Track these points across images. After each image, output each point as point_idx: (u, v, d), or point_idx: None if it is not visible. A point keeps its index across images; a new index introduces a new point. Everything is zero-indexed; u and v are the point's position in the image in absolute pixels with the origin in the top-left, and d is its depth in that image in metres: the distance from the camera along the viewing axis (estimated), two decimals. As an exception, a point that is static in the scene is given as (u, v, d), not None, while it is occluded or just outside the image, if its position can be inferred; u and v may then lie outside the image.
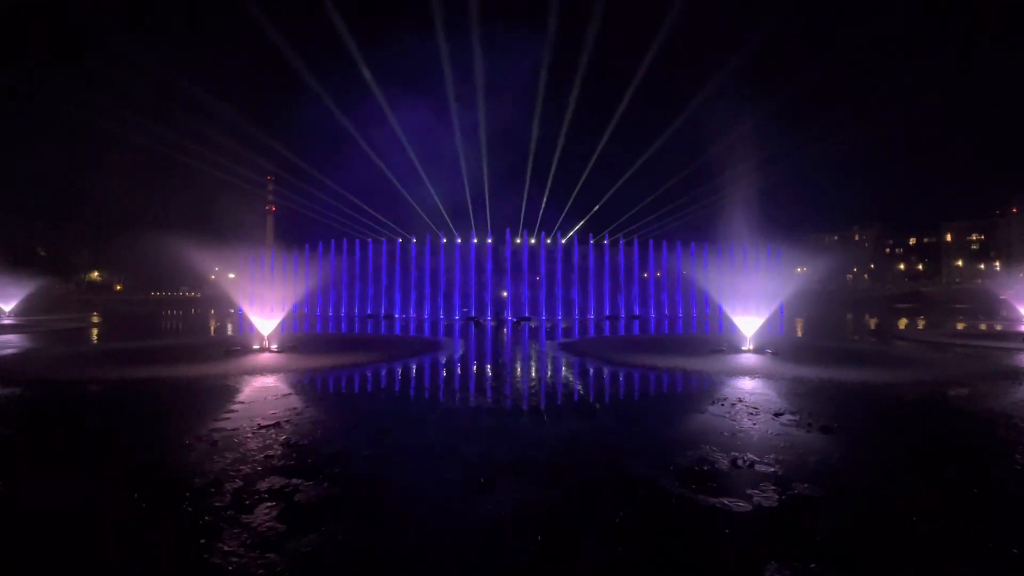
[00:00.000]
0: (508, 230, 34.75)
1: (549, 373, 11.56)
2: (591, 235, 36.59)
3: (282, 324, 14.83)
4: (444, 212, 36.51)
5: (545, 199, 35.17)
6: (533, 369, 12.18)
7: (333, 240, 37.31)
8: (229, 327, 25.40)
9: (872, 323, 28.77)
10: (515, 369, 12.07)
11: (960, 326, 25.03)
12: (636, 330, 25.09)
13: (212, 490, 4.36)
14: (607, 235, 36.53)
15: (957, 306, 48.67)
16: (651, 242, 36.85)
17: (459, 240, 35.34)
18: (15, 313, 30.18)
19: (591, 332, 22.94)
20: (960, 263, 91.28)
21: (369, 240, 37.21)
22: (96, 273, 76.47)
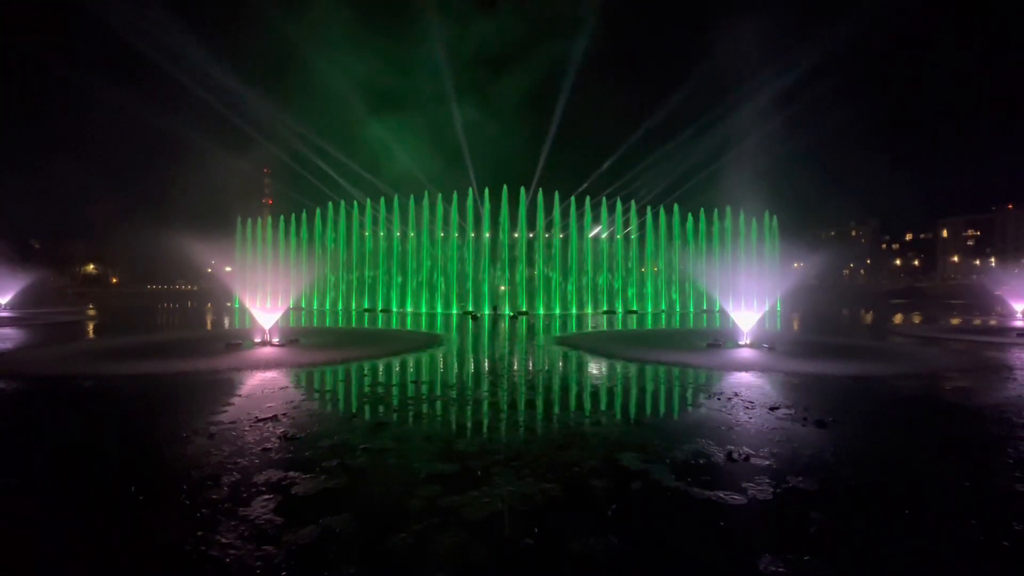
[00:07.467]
0: (507, 223, 34.66)
1: (546, 368, 11.58)
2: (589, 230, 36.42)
3: (282, 318, 14.81)
4: (444, 208, 36.24)
5: (540, 193, 34.86)
6: (529, 364, 12.19)
7: (332, 236, 37.12)
8: (226, 321, 25.34)
9: (868, 318, 28.89)
10: (511, 364, 12.09)
11: (955, 322, 25.17)
12: (634, 325, 25.14)
13: (209, 483, 4.37)
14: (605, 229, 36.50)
15: (953, 302, 48.90)
16: (650, 239, 36.84)
17: (456, 234, 35.25)
18: (11, 306, 30.06)
19: (588, 327, 22.98)
20: (956, 259, 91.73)
21: (367, 234, 37.03)
22: (92, 266, 76.00)
